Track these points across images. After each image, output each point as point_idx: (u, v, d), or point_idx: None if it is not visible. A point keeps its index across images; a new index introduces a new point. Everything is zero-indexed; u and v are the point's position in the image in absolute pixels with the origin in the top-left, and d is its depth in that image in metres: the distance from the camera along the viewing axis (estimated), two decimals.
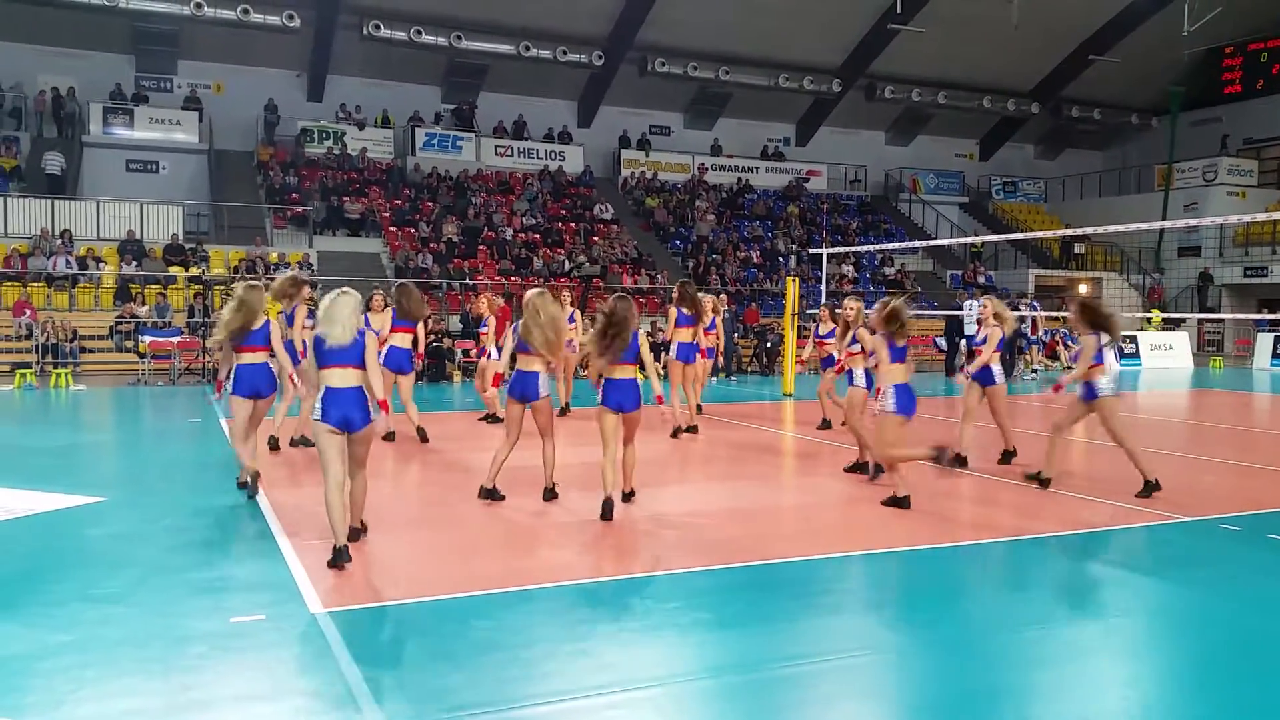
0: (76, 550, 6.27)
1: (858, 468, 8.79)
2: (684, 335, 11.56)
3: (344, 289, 6.29)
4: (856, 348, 8.75)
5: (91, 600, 5.15)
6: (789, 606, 5.34)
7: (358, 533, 6.24)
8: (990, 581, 5.90)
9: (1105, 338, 8.32)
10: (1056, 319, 25.45)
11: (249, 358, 7.64)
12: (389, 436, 10.27)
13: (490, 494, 7.53)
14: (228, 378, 7.75)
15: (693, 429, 11.34)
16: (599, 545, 6.53)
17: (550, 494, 7.52)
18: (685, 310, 11.56)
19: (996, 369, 9.47)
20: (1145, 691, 4.36)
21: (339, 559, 5.65)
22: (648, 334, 14.76)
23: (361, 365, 5.94)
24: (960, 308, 21.45)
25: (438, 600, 5.24)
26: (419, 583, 5.60)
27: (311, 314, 9.24)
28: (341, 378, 5.88)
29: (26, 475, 8.55)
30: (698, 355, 11.94)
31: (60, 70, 26.02)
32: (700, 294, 12.53)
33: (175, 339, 18.27)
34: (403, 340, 10.48)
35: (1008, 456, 9.58)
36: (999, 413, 9.59)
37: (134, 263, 21.30)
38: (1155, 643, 5.05)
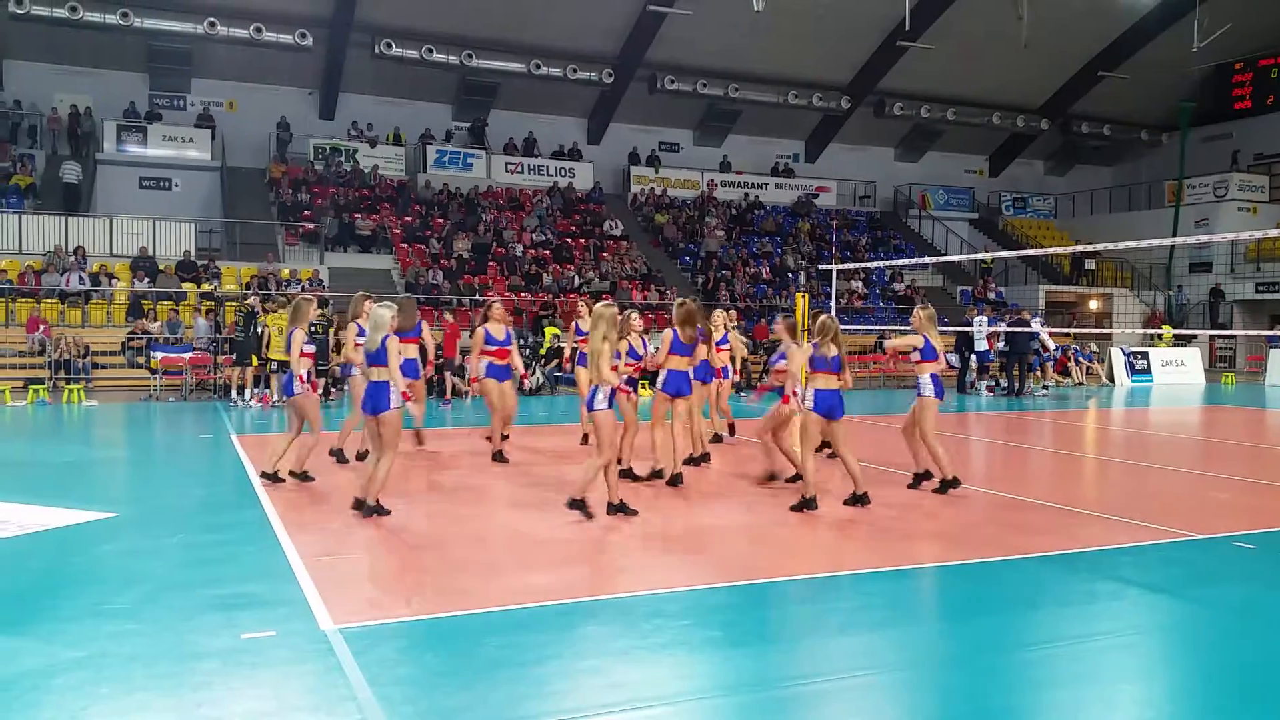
0: (88, 566, 6.30)
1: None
2: (678, 363, 9.29)
3: (382, 302, 7.84)
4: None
5: (103, 616, 5.17)
6: (798, 624, 5.33)
7: (370, 510, 7.38)
8: (1000, 599, 5.86)
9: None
10: (1067, 334, 25.41)
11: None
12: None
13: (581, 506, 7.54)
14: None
15: (691, 461, 10.00)
16: (610, 562, 6.53)
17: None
18: (682, 335, 9.28)
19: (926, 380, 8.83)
20: (1160, 711, 4.33)
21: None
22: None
23: (386, 364, 7.41)
24: (970, 324, 21.43)
25: (449, 617, 5.24)
26: (430, 599, 5.60)
27: (361, 331, 9.49)
28: (377, 374, 7.48)
29: (39, 491, 8.59)
30: (714, 376, 10.92)
31: (75, 89, 26.29)
32: (716, 311, 11.77)
33: (187, 355, 18.34)
34: (409, 350, 10.48)
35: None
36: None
37: (146, 279, 21.42)
38: (1169, 661, 5.01)
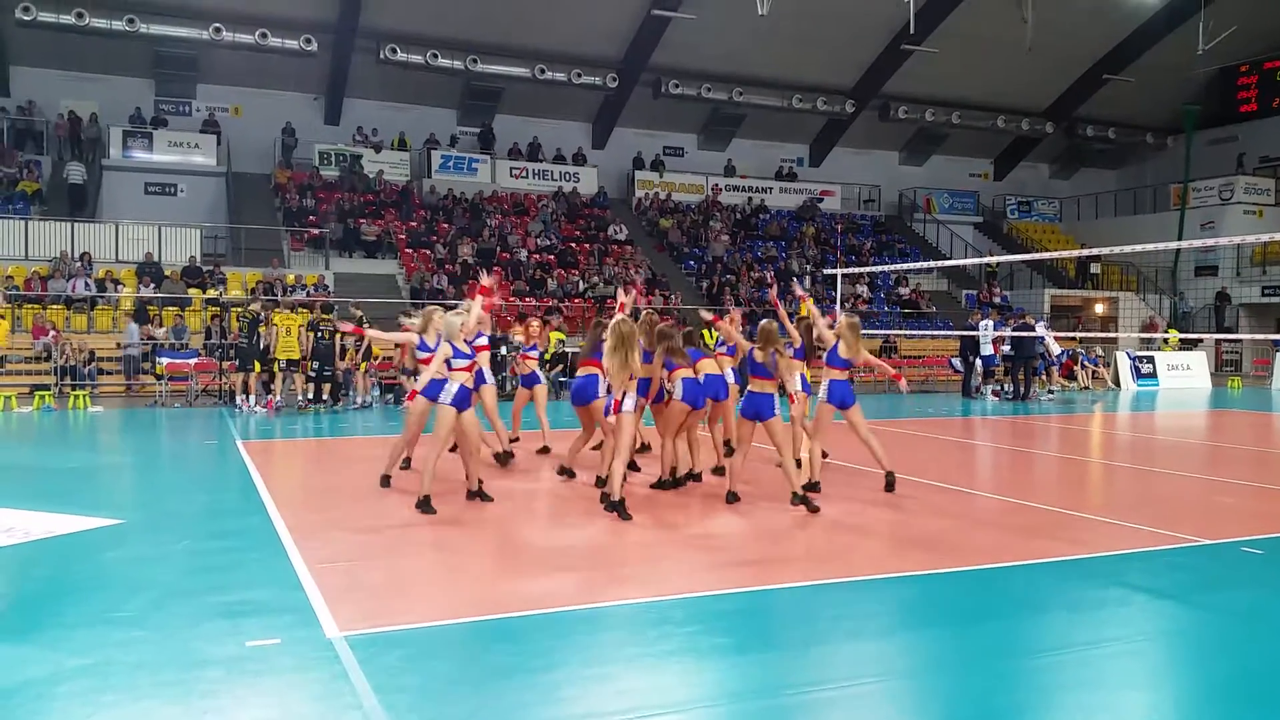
0: (94, 573, 6.29)
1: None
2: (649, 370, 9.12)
3: (454, 309, 8.44)
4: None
5: (109, 623, 5.16)
6: (806, 631, 5.30)
7: (419, 504, 7.83)
8: (1007, 605, 5.84)
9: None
10: (1072, 339, 25.36)
11: None
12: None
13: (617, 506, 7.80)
14: None
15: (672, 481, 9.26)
16: (617, 568, 6.51)
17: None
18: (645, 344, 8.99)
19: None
20: (1168, 718, 4.30)
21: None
22: None
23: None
24: (975, 328, 21.38)
25: (455, 624, 5.23)
26: (436, 606, 5.58)
27: (423, 344, 9.20)
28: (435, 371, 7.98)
29: (45, 497, 8.59)
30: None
31: (81, 94, 26.38)
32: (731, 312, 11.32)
33: (192, 361, 18.36)
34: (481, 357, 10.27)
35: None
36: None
37: (152, 285, 21.46)
38: (1178, 668, 4.98)
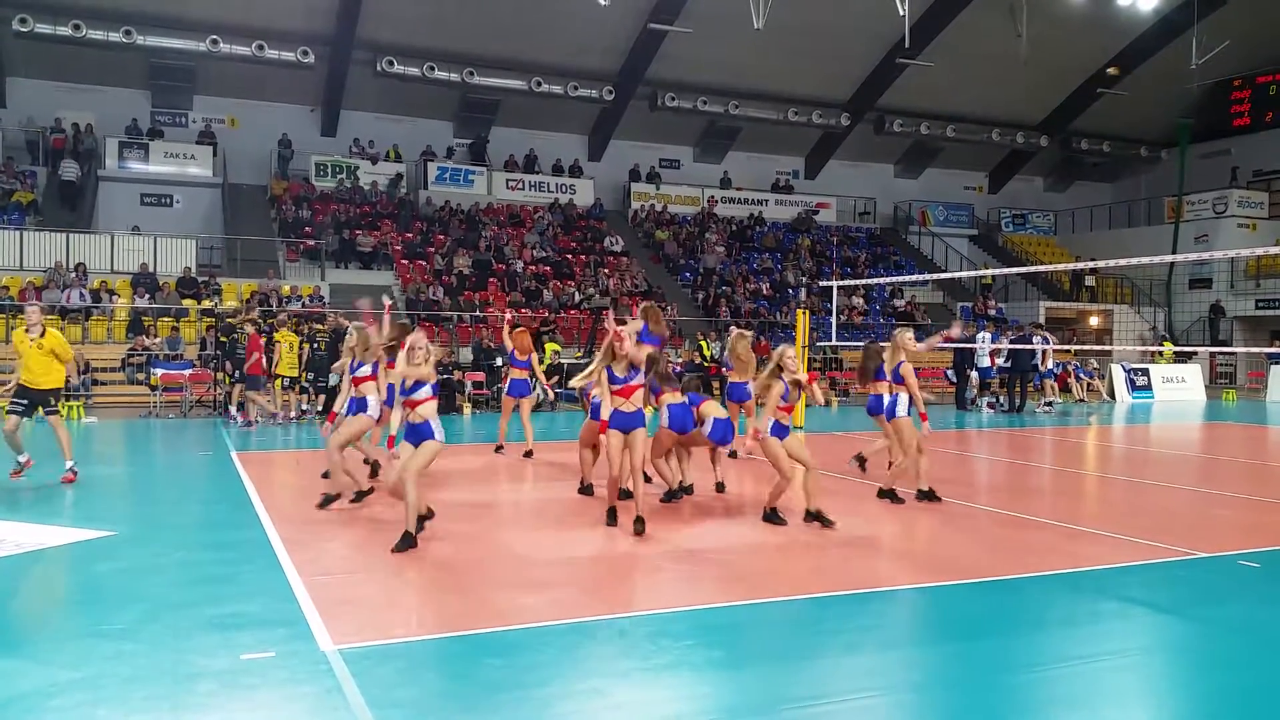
0: (87, 585, 6.25)
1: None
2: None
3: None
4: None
5: (101, 636, 5.12)
6: (803, 644, 5.28)
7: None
8: (1006, 619, 5.82)
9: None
10: (1068, 351, 25.37)
11: None
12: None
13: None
14: None
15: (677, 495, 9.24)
16: (612, 582, 6.48)
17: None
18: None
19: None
20: None
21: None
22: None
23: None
24: (971, 340, 21.39)
25: (449, 637, 5.20)
26: (431, 619, 5.55)
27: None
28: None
29: (37, 509, 8.55)
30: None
31: (78, 106, 26.36)
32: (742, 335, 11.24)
33: (187, 372, 18.31)
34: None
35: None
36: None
37: (147, 295, 21.41)
38: (1176, 682, 4.96)
